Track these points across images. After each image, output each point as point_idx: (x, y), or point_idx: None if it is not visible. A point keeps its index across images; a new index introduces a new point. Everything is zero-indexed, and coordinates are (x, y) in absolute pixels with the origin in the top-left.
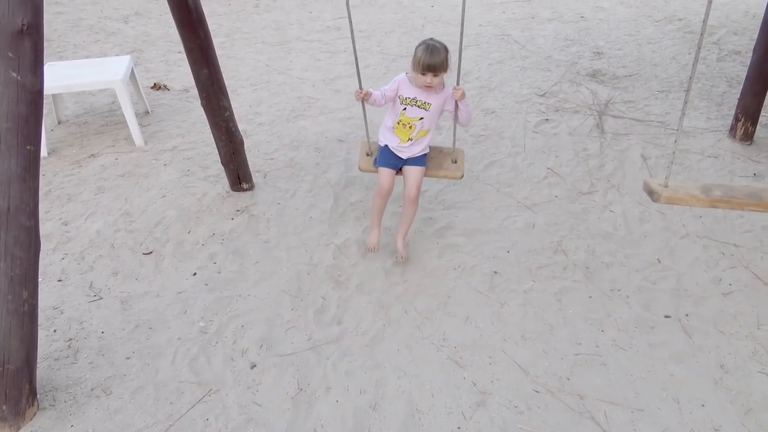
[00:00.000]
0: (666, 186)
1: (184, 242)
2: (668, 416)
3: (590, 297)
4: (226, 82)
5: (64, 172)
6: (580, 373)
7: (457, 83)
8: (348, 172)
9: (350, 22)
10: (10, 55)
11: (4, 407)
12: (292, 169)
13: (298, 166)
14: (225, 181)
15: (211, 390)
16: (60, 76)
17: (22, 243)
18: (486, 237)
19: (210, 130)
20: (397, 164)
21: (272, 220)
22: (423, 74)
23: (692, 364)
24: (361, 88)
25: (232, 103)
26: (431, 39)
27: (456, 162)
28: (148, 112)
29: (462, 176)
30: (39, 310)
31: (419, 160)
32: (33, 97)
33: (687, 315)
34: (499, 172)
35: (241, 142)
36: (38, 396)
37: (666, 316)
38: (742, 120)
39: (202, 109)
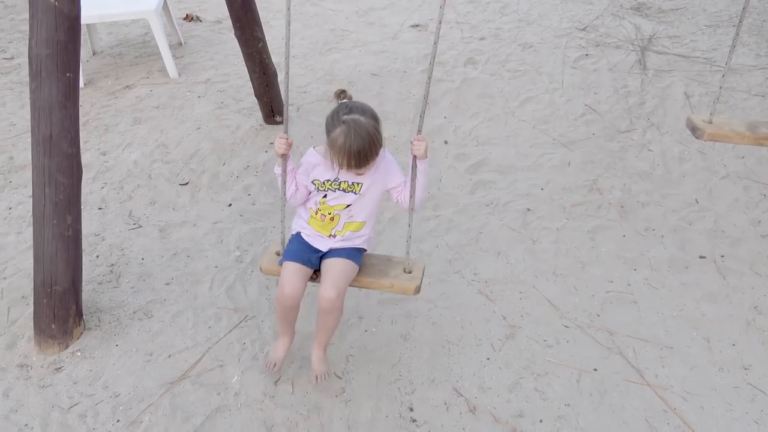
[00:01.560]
0: (710, 122)
1: (219, 174)
2: (698, 354)
3: (624, 236)
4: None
5: (100, 103)
6: (611, 310)
7: (419, 131)
8: (381, 107)
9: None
10: None
11: (53, 326)
12: (325, 103)
13: (331, 100)
14: (258, 114)
15: (247, 316)
16: (94, 5)
17: (64, 169)
18: (520, 174)
19: (243, 63)
20: (311, 258)
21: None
22: (345, 167)
23: (725, 304)
24: (286, 131)
25: (265, 34)
26: (353, 111)
27: (411, 272)
28: (181, 44)
29: (417, 291)
30: (82, 236)
31: (348, 252)
32: (71, 24)
33: (722, 256)
34: (535, 109)
35: (275, 75)
36: (84, 317)
37: (701, 257)
38: None
39: (235, 42)
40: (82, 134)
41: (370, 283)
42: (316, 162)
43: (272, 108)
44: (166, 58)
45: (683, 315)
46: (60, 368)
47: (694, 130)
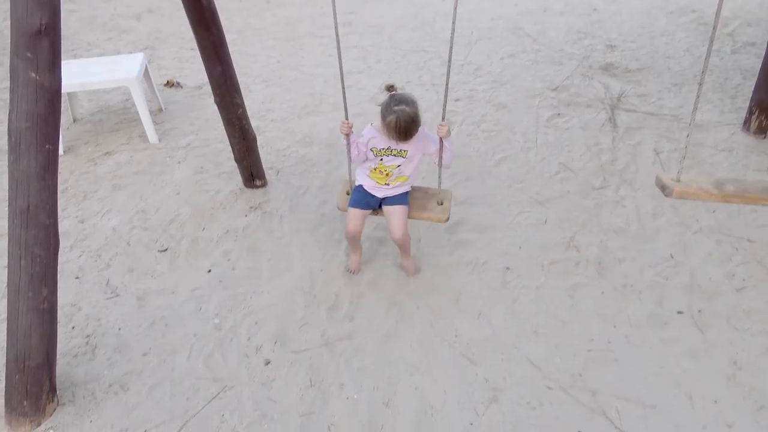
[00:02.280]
0: (678, 180)
1: (198, 239)
2: (681, 413)
3: (603, 293)
4: (238, 79)
5: (80, 170)
6: (593, 369)
7: (443, 118)
8: None
9: (338, 46)
10: (29, 55)
11: (25, 403)
12: (305, 166)
13: (310, 163)
14: (238, 178)
15: (226, 386)
16: (75, 74)
17: (41, 241)
18: (498, 233)
19: (223, 127)
20: (371, 203)
21: (285, 217)
22: (396, 140)
23: (705, 360)
24: (347, 118)
25: (244, 99)
26: (401, 102)
27: (442, 204)
28: (161, 110)
29: (447, 219)
30: (58, 307)
31: (400, 199)
32: (51, 97)
33: (700, 311)
34: (510, 168)
35: (254, 139)
36: (58, 392)
37: (679, 312)
38: (756, 113)
39: (214, 106)
40: (61, 202)
41: (415, 216)
42: (373, 135)
43: (252, 172)
44: (147, 124)
45: (665, 372)
46: None
47: (663, 188)
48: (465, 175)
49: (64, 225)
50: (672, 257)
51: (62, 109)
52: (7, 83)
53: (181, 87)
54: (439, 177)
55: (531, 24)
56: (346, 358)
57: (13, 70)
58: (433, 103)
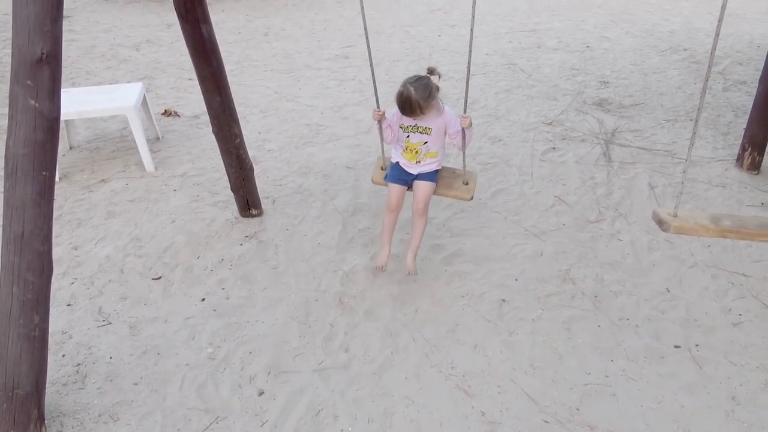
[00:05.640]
0: (675, 216)
1: (192, 268)
2: None
3: (599, 326)
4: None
5: (75, 197)
6: (590, 404)
7: (464, 111)
8: (356, 199)
9: (367, 37)
10: (29, 83)
11: None
12: (301, 196)
13: (306, 193)
14: (234, 207)
15: (218, 417)
16: (73, 102)
17: (34, 268)
18: (494, 265)
19: (220, 157)
20: (407, 180)
21: (281, 247)
22: (402, 113)
23: (703, 395)
24: (378, 107)
25: (241, 129)
26: (415, 83)
27: (467, 184)
28: (158, 138)
29: (471, 198)
30: (49, 334)
31: (430, 176)
32: (50, 124)
33: (697, 345)
34: (506, 200)
35: (251, 169)
36: (46, 421)
37: (676, 347)
38: (749, 150)
39: (211, 136)
40: (55, 228)
41: (442, 193)
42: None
43: (248, 201)
44: (143, 152)
45: (662, 407)
46: None
47: (660, 223)
48: (461, 206)
49: (57, 252)
50: (668, 291)
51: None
52: (6, 109)
53: (179, 116)
54: (464, 159)
55: (525, 60)
56: (340, 389)
57: (12, 97)
58: None
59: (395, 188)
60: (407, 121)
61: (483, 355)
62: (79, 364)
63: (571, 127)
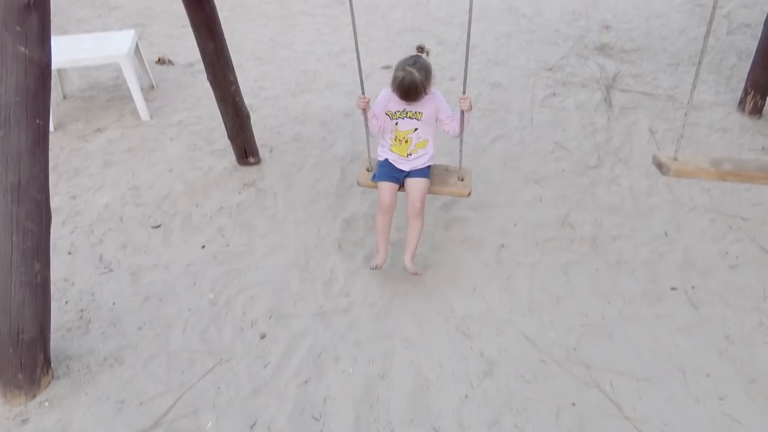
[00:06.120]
0: (675, 159)
1: (192, 216)
2: (674, 386)
3: (597, 269)
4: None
5: (70, 147)
6: (587, 344)
7: (464, 92)
8: (354, 146)
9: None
10: (18, 29)
11: (19, 376)
12: (299, 143)
13: (304, 140)
14: (231, 156)
15: (221, 360)
16: (64, 50)
17: (33, 216)
18: (493, 210)
19: (216, 105)
20: (398, 177)
21: (279, 194)
22: (399, 98)
23: (698, 335)
24: (363, 93)
25: (237, 77)
26: (414, 65)
27: (463, 180)
28: (153, 87)
29: (469, 194)
30: (51, 282)
31: (422, 172)
32: (41, 71)
33: (693, 287)
34: (506, 146)
35: (248, 116)
36: (53, 365)
37: (672, 288)
38: (752, 94)
39: (206, 84)
40: (52, 178)
41: (437, 191)
42: (389, 98)
43: (245, 149)
44: (138, 100)
45: (658, 347)
46: (26, 420)
47: (660, 167)
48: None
49: (55, 201)
50: (666, 235)
51: (52, 85)
52: None
53: (173, 64)
54: (460, 155)
55: (526, 4)
56: (341, 332)
57: (1, 44)
58: None
59: (387, 186)
60: (395, 105)
61: (482, 299)
62: (82, 310)
63: (571, 72)
